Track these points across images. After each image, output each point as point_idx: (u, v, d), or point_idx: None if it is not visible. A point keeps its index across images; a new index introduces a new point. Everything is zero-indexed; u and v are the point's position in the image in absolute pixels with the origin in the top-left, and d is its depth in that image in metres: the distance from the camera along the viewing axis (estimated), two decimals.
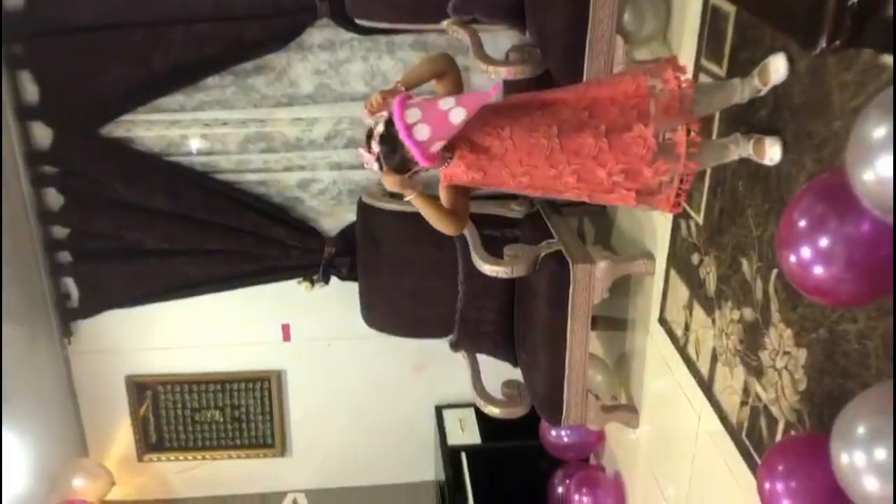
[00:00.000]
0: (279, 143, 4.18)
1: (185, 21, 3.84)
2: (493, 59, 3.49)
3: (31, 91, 3.98)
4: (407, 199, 2.27)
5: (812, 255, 1.57)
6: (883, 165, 1.30)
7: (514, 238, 3.76)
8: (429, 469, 5.07)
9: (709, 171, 2.70)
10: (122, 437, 4.90)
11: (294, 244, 4.29)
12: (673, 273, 3.14)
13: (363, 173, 4.13)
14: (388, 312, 4.20)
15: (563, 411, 3.51)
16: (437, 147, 2.16)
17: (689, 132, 2.19)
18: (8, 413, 3.92)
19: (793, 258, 1.61)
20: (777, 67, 2.23)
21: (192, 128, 4.11)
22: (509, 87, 3.68)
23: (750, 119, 2.42)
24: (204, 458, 4.99)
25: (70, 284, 4.46)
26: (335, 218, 4.38)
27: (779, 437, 2.34)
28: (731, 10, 2.53)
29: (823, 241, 1.54)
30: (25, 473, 4.16)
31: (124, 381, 4.76)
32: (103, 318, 4.52)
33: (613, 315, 3.85)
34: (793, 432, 2.27)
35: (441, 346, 4.14)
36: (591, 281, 3.28)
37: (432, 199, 2.33)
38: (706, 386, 2.85)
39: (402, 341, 4.37)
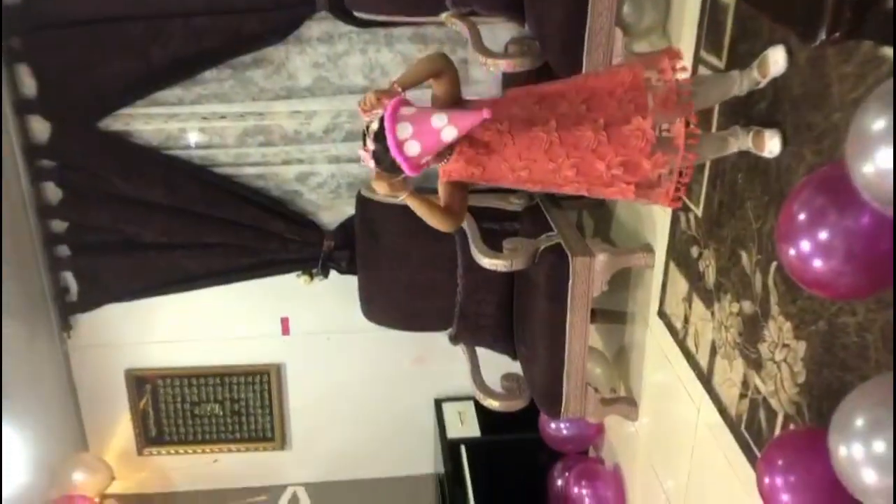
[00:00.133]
0: (277, 137, 4.17)
1: (184, 14, 3.83)
2: (492, 51, 3.48)
3: (29, 85, 3.97)
4: (400, 199, 2.27)
5: (811, 248, 1.56)
6: (883, 158, 1.29)
7: (514, 231, 3.75)
8: (428, 462, 5.08)
9: (708, 164, 2.70)
10: (122, 431, 4.90)
11: (293, 238, 4.29)
12: (672, 266, 3.14)
13: (362, 167, 4.13)
14: (388, 306, 4.20)
15: (563, 404, 3.51)
16: (426, 160, 2.17)
17: (687, 124, 2.19)
18: (7, 408, 3.93)
19: (792, 251, 1.61)
20: (776, 59, 2.22)
21: (190, 121, 4.10)
22: (508, 79, 3.68)
23: (749, 111, 2.41)
24: (213, 451, 5.00)
25: (69, 278, 4.46)
26: (334, 211, 4.37)
27: (778, 429, 2.35)
28: (730, 1, 2.52)
29: (823, 234, 1.54)
30: (25, 468, 4.17)
31: (124, 375, 4.76)
32: (102, 312, 4.52)
33: (613, 308, 3.84)
34: (792, 425, 2.27)
35: (440, 339, 4.14)
36: (590, 274, 3.28)
37: (425, 197, 2.33)
38: (705, 379, 2.85)
39: (401, 335, 4.37)
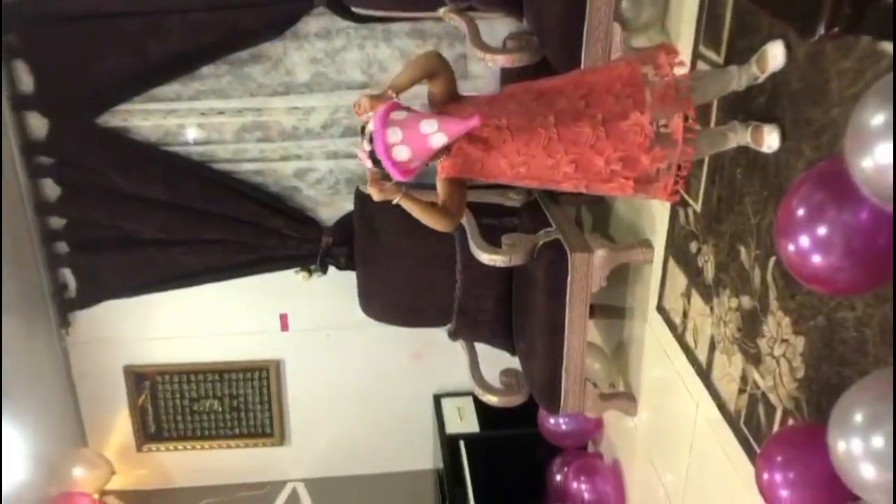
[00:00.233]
0: (276, 133, 4.17)
1: (181, 10, 3.82)
2: (491, 46, 3.48)
3: (26, 81, 3.96)
4: (395, 202, 2.29)
5: (810, 244, 1.56)
6: (882, 153, 1.29)
7: (512, 227, 3.75)
8: (427, 457, 5.08)
9: (707, 159, 2.70)
10: (121, 427, 4.90)
11: (291, 234, 4.29)
12: (671, 261, 3.14)
13: (359, 164, 4.12)
14: (386, 302, 4.20)
15: (562, 399, 3.51)
16: (416, 165, 2.18)
17: (686, 119, 2.19)
18: (7, 405, 3.92)
19: (791, 246, 1.61)
20: (775, 54, 2.22)
21: (188, 117, 4.09)
22: (507, 74, 3.67)
23: (748, 106, 2.41)
24: (212, 447, 5.00)
25: (67, 275, 4.45)
26: (332, 207, 4.37)
27: (777, 424, 2.35)
28: None
29: (822, 230, 1.54)
30: (25, 464, 4.16)
31: (123, 372, 4.76)
32: (101, 309, 4.51)
33: (611, 303, 3.85)
34: (791, 420, 2.27)
35: (439, 335, 4.15)
36: (589, 269, 3.28)
37: (420, 199, 2.34)
38: (704, 374, 2.85)
39: (400, 331, 4.38)
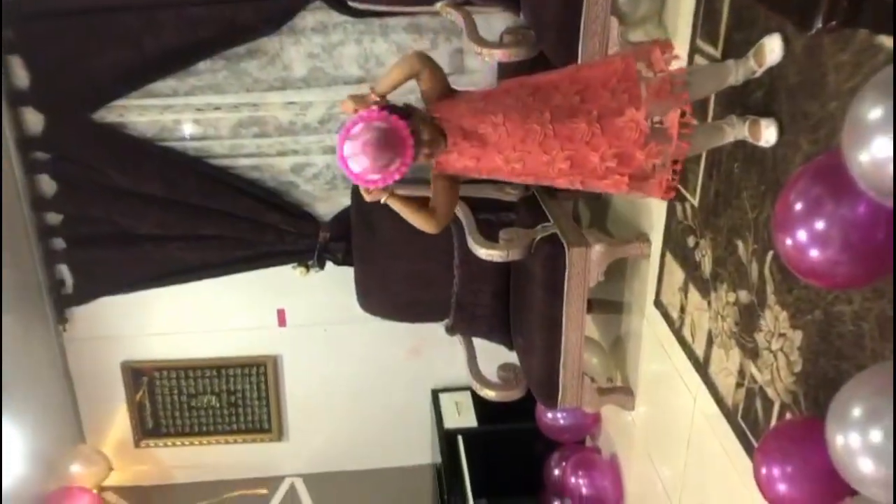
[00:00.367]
0: (272, 128, 4.16)
1: (177, 4, 3.80)
2: (488, 41, 3.47)
3: (21, 76, 3.94)
4: (382, 202, 2.32)
5: (808, 238, 1.56)
6: (879, 147, 1.29)
7: (510, 222, 3.75)
8: (425, 452, 5.09)
9: (704, 154, 2.69)
10: (119, 423, 4.90)
11: (288, 229, 4.28)
12: (668, 256, 3.14)
13: None
14: (384, 297, 4.20)
15: (559, 394, 3.52)
16: (373, 178, 2.19)
17: (682, 114, 2.18)
18: (4, 401, 3.92)
19: (788, 240, 1.60)
20: (772, 48, 2.21)
21: (184, 112, 4.08)
22: (504, 68, 3.67)
23: (745, 101, 2.41)
24: (210, 442, 5.01)
25: (64, 271, 4.44)
26: (330, 203, 4.36)
27: (774, 418, 2.35)
28: None
29: (819, 224, 1.54)
30: (23, 461, 4.16)
31: (120, 368, 4.75)
32: (98, 305, 4.50)
33: (609, 298, 3.85)
34: (788, 414, 2.27)
35: (437, 329, 4.14)
36: (586, 264, 3.28)
37: (408, 199, 2.37)
38: (702, 368, 2.85)
39: (398, 326, 4.37)
